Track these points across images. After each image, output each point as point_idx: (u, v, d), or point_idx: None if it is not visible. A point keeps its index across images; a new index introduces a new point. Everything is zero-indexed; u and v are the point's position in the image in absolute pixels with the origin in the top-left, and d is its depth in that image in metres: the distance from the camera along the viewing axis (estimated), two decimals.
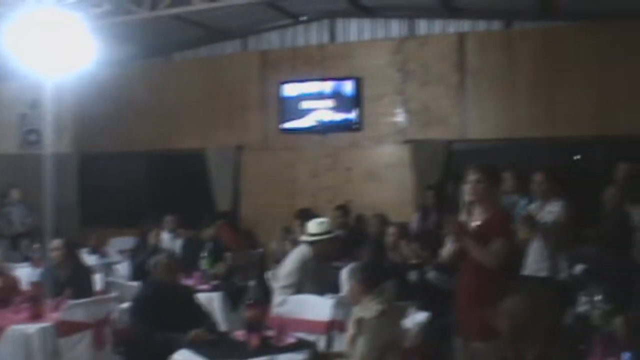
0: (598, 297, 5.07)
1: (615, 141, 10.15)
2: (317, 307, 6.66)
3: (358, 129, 11.43)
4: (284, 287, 7.21)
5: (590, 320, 5.17)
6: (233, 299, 8.15)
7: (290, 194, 11.66)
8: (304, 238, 7.48)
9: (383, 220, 9.30)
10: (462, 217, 5.73)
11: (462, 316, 5.66)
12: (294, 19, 12.11)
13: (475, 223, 5.62)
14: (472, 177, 5.59)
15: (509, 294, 4.85)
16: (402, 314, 6.11)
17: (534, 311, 4.43)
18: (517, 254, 7.14)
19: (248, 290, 7.65)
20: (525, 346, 4.39)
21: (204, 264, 8.93)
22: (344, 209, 10.65)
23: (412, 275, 7.59)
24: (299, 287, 7.18)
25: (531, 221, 7.42)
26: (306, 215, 9.74)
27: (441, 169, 10.61)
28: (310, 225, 7.47)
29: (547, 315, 4.49)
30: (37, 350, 6.19)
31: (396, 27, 11.63)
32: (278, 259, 9.08)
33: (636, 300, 4.83)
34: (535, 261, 7.50)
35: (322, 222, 7.55)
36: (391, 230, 8.24)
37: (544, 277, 7.40)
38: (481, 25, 11.20)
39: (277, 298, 7.25)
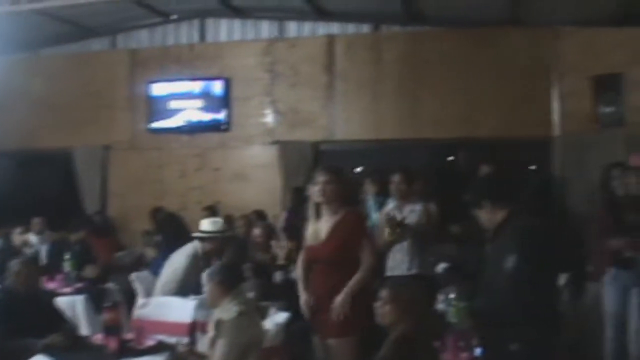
0: (453, 295, 5.19)
1: (478, 143, 10.49)
2: (179, 309, 6.61)
3: (227, 130, 11.40)
4: (170, 282, 7.16)
5: (445, 317, 5.30)
6: (96, 302, 8.00)
7: (159, 195, 11.49)
8: (196, 234, 7.45)
9: (250, 221, 9.32)
10: (311, 218, 5.84)
11: (318, 315, 5.75)
12: (164, 17, 11.98)
13: (326, 224, 5.72)
14: (320, 178, 5.68)
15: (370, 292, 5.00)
16: (263, 315, 6.14)
17: (412, 298, 4.65)
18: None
19: (108, 293, 7.55)
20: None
21: (67, 265, 8.75)
22: (211, 210, 10.59)
23: (278, 276, 7.63)
24: (184, 284, 7.14)
25: (400, 223, 7.57)
26: (160, 214, 9.69)
27: (309, 170, 10.64)
28: (204, 223, 7.46)
29: (420, 305, 4.70)
30: None
31: (266, 29, 11.67)
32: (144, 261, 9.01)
33: (479, 291, 4.98)
34: (402, 260, 7.65)
35: (215, 221, 7.56)
36: (256, 231, 8.27)
37: (413, 274, 7.58)
38: (350, 28, 11.36)
39: (139, 300, 7.19)
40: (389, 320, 4.67)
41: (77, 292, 8.19)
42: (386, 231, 7.60)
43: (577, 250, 7.91)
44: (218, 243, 7.40)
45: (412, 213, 7.66)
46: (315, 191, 5.77)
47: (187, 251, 7.38)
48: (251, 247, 8.29)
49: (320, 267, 5.78)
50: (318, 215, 5.76)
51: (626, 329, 7.30)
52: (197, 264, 7.21)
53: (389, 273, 7.66)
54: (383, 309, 4.67)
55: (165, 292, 7.12)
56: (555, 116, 10.31)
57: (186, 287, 7.09)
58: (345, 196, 5.86)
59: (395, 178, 7.72)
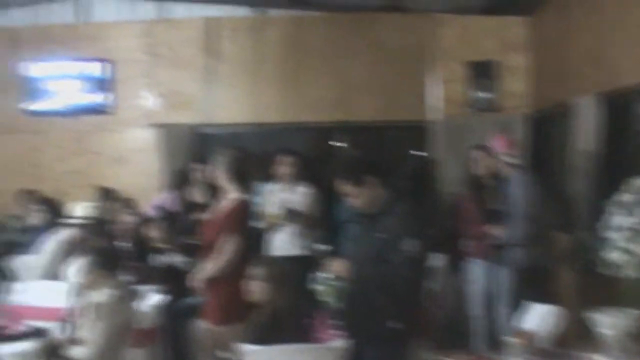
0: (326, 275, 5.29)
1: (354, 127, 10.71)
2: (53, 294, 6.55)
3: (106, 112, 11.21)
4: (37, 267, 7.08)
5: (316, 295, 5.41)
6: None
7: (35, 179, 11.04)
8: (73, 221, 7.38)
9: (127, 205, 9.25)
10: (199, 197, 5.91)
11: (206, 300, 5.81)
12: None
13: (221, 208, 5.79)
14: (223, 159, 5.78)
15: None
16: (139, 297, 6.15)
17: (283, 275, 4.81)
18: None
19: None
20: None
21: None
22: (106, 192, 10.21)
23: (156, 259, 7.64)
24: (49, 269, 7.06)
25: (294, 211, 7.73)
26: (34, 198, 9.46)
27: (188, 153, 10.60)
28: (81, 208, 7.39)
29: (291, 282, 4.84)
30: None
31: (145, 10, 11.49)
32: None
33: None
34: (287, 241, 7.82)
35: (92, 206, 7.50)
36: (129, 218, 8.31)
37: (297, 256, 7.74)
38: (231, 10, 11.32)
39: (18, 285, 7.09)
40: (262, 298, 4.81)
41: None
42: (276, 215, 7.76)
43: (450, 232, 8.20)
44: (89, 229, 7.36)
45: (299, 195, 7.86)
46: (214, 172, 5.84)
47: (59, 236, 7.30)
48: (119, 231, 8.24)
49: (206, 252, 5.87)
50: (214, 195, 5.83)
51: (495, 308, 7.60)
52: (68, 249, 7.14)
53: (274, 253, 7.83)
54: (257, 287, 4.81)
55: (31, 276, 7.04)
56: (432, 100, 10.58)
57: (50, 272, 7.02)
58: (245, 179, 5.94)
59: (286, 161, 7.90)
